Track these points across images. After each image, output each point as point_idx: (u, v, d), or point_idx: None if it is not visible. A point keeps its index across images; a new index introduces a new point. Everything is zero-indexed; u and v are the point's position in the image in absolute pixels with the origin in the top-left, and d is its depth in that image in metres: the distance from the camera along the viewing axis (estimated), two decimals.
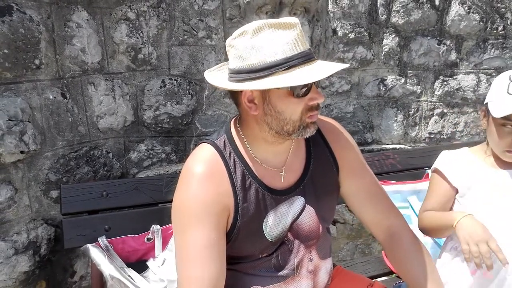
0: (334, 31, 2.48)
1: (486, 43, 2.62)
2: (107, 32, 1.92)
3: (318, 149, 1.03)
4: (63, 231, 1.38)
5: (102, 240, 1.31)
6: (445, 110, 2.68)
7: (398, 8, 2.54)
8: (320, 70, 0.84)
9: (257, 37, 0.83)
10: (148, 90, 2.06)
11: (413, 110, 2.70)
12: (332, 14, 2.47)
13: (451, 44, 2.63)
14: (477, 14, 2.57)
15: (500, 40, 2.61)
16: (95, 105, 1.89)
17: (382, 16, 2.55)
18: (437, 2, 2.56)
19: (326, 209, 1.03)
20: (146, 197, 1.49)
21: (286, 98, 0.86)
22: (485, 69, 2.65)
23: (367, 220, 1.07)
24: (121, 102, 1.99)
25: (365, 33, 2.53)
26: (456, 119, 2.69)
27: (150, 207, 1.50)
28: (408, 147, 2.63)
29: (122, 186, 1.47)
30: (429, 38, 2.60)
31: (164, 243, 1.40)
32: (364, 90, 2.65)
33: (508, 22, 2.59)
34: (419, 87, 2.67)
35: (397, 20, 2.55)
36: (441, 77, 2.66)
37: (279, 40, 0.83)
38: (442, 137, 2.69)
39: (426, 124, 2.70)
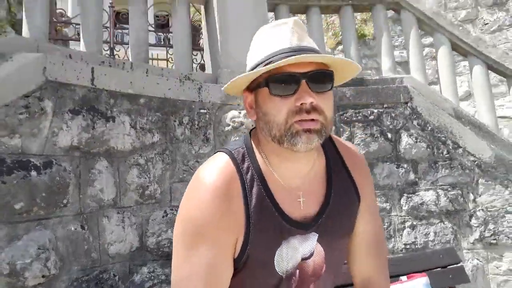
0: None
1: (437, 164, 3.12)
2: (121, 175, 2.41)
3: (340, 179, 0.92)
4: None
5: None
6: (414, 223, 3.01)
7: (358, 142, 3.12)
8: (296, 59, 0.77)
9: (253, 42, 0.86)
10: (152, 220, 2.44)
11: (386, 224, 3.02)
12: None
13: (408, 167, 3.12)
14: (423, 143, 3.14)
15: (447, 162, 3.12)
16: (107, 234, 2.24)
17: None
18: (389, 136, 3.16)
19: (337, 250, 0.92)
20: None
21: (269, 98, 0.80)
22: (441, 185, 3.09)
23: (355, 263, 0.99)
24: (129, 231, 2.35)
25: None
26: (426, 229, 3.00)
27: None
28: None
29: None
30: (388, 163, 3.11)
31: None
32: None
33: (450, 147, 3.14)
34: (388, 204, 3.06)
35: (359, 151, 3.10)
36: (405, 195, 3.07)
37: (267, 40, 0.83)
38: (417, 247, 2.95)
39: (400, 236, 2.99)
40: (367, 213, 0.96)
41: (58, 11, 6.26)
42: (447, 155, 3.13)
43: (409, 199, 3.06)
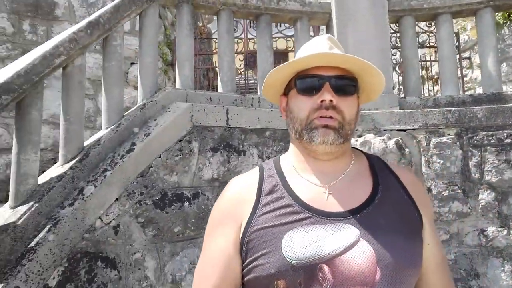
0: (429, 190, 2.93)
1: None
2: None
3: (389, 183, 0.89)
4: None
5: None
6: None
7: (490, 168, 2.88)
8: (325, 55, 0.86)
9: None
10: None
11: None
12: (426, 175, 2.96)
13: None
14: None
15: None
16: None
17: (475, 175, 2.92)
18: None
19: (393, 250, 0.77)
20: None
21: (296, 97, 0.90)
22: None
23: None
24: None
25: (459, 190, 2.90)
26: None
27: None
28: None
29: None
30: None
31: None
32: (465, 239, 2.90)
33: None
34: None
35: (491, 178, 2.87)
36: None
37: (302, 51, 0.96)
38: None
39: None
40: (430, 231, 0.88)
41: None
42: None
43: None
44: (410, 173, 0.96)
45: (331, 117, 0.84)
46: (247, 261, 0.82)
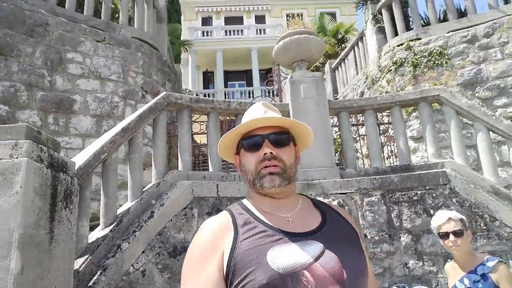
0: (365, 236, 4.04)
1: (476, 235, 3.86)
2: None
3: (333, 215, 1.12)
4: None
5: None
6: None
7: (406, 218, 4.05)
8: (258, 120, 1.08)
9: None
10: None
11: (434, 284, 3.84)
12: (362, 225, 4.09)
13: None
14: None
15: (485, 233, 3.83)
16: None
17: (396, 223, 4.07)
18: (432, 212, 4.01)
19: (350, 257, 0.99)
20: None
21: (245, 154, 1.10)
22: (481, 253, 3.79)
23: None
24: None
25: (386, 235, 4.02)
26: None
27: None
28: None
29: None
30: (432, 234, 3.95)
31: None
32: (395, 271, 3.96)
33: (488, 220, 3.86)
34: (434, 267, 3.88)
35: (407, 225, 4.03)
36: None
37: (244, 118, 1.16)
38: None
39: None
40: (366, 256, 1.07)
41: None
42: (485, 227, 3.84)
43: None
44: (345, 211, 1.20)
45: (274, 165, 1.04)
46: (235, 282, 0.92)
